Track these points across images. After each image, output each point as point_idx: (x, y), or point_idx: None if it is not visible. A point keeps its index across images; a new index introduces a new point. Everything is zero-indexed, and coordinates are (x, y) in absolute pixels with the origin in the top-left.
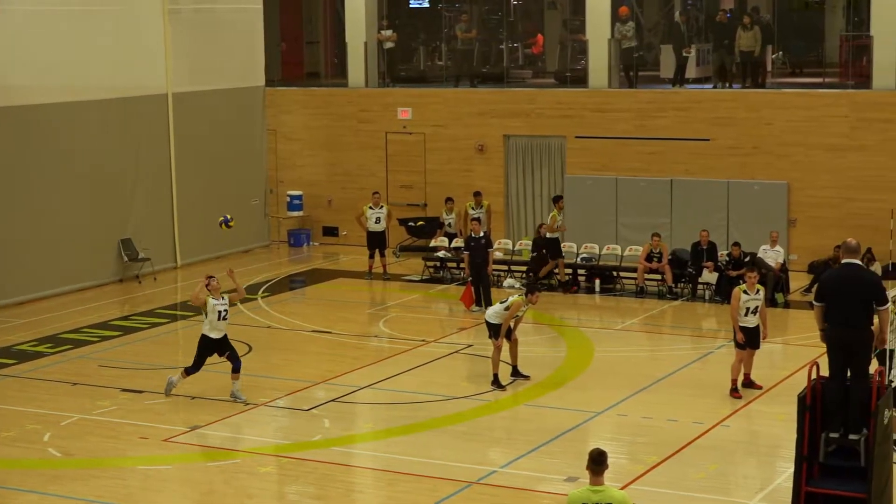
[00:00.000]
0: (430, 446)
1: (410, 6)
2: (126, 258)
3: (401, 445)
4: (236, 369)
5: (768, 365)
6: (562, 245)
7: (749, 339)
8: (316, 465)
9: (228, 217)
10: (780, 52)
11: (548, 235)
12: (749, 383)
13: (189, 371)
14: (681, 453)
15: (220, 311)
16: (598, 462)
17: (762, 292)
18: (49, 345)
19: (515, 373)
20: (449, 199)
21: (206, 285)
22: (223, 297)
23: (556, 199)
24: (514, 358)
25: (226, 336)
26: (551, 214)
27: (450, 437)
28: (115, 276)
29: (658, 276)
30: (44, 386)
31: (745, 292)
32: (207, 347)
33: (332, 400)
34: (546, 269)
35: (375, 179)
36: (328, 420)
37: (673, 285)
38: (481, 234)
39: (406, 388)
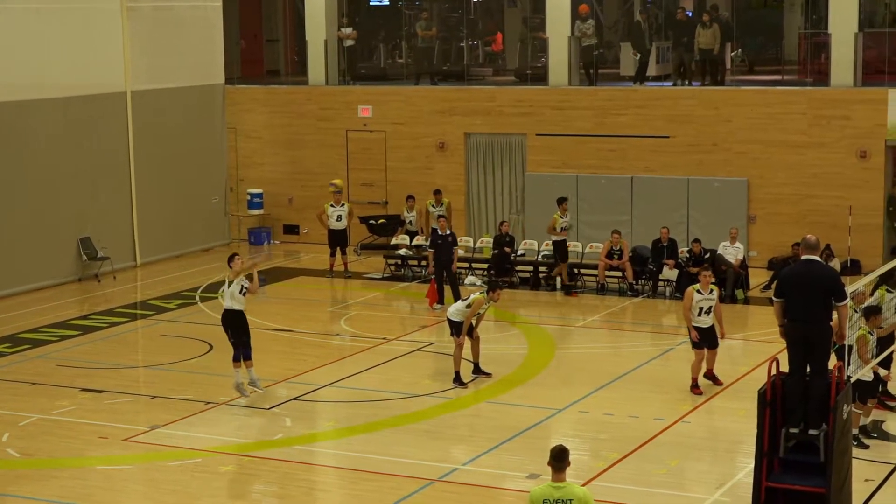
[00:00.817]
0: (392, 444)
1: (371, 4)
2: (85, 257)
3: (363, 444)
4: (247, 356)
5: (729, 361)
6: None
7: (704, 339)
8: (278, 464)
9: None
10: (739, 50)
11: (553, 238)
12: (711, 377)
13: (235, 358)
14: (642, 449)
15: (242, 286)
16: (559, 458)
17: (716, 292)
18: (7, 344)
19: (477, 370)
20: (410, 197)
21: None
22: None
23: (561, 201)
24: (475, 355)
25: (244, 316)
26: (554, 215)
27: (412, 434)
28: (74, 276)
29: (619, 273)
30: (2, 386)
31: (698, 291)
32: (231, 322)
33: (294, 398)
34: (557, 271)
35: (337, 177)
36: (290, 419)
37: (634, 282)
38: (447, 231)
39: (368, 385)
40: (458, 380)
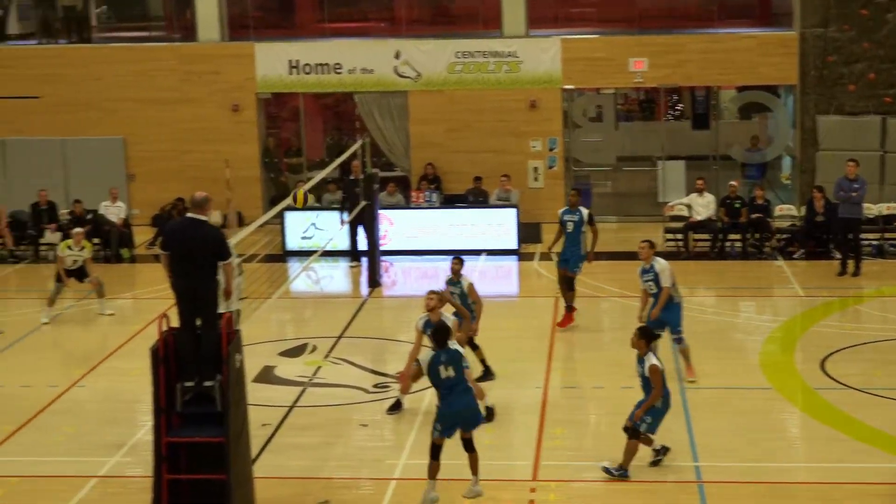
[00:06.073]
0: None
1: None
2: None
3: None
4: None
5: (112, 321)
6: None
7: None
8: None
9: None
10: (105, 7)
11: None
12: None
13: None
14: (36, 419)
15: None
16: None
17: (88, 249)
18: None
19: None
20: None
21: None
22: None
23: None
24: None
25: None
26: None
27: None
28: None
29: None
30: None
31: (69, 248)
32: None
33: None
34: None
35: None
36: None
37: (14, 248)
38: None
39: None
40: None
